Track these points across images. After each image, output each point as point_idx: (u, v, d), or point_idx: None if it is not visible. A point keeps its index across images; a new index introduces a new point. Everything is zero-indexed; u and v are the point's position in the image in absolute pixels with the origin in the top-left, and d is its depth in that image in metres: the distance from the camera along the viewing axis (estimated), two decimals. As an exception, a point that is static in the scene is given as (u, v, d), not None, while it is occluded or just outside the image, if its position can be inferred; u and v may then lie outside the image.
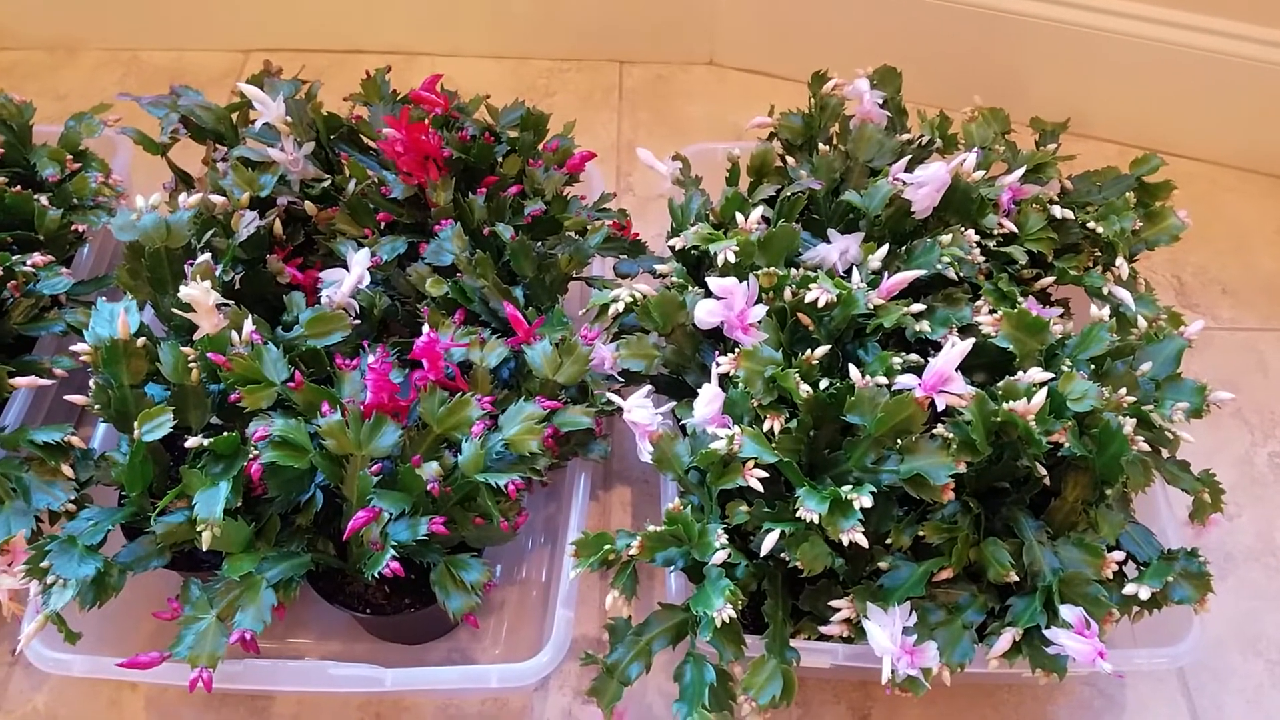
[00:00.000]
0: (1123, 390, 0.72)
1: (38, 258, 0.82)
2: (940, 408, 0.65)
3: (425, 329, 0.74)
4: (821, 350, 0.70)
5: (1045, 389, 0.65)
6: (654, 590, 0.86)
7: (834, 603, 0.68)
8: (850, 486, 0.63)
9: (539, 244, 0.85)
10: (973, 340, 0.66)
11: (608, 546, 0.68)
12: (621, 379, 0.79)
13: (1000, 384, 0.68)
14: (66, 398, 0.72)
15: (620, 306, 0.78)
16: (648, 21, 1.33)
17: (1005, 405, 0.65)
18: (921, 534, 0.68)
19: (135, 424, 0.66)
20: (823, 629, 0.69)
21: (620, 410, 0.78)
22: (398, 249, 0.82)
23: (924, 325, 0.74)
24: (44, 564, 0.63)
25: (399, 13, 1.33)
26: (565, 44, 1.36)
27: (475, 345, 0.76)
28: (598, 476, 0.94)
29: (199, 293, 0.68)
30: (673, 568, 0.69)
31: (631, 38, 1.34)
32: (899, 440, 0.66)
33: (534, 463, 0.72)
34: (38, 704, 0.79)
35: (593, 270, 0.93)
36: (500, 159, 0.89)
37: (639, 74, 1.35)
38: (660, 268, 0.84)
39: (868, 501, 0.61)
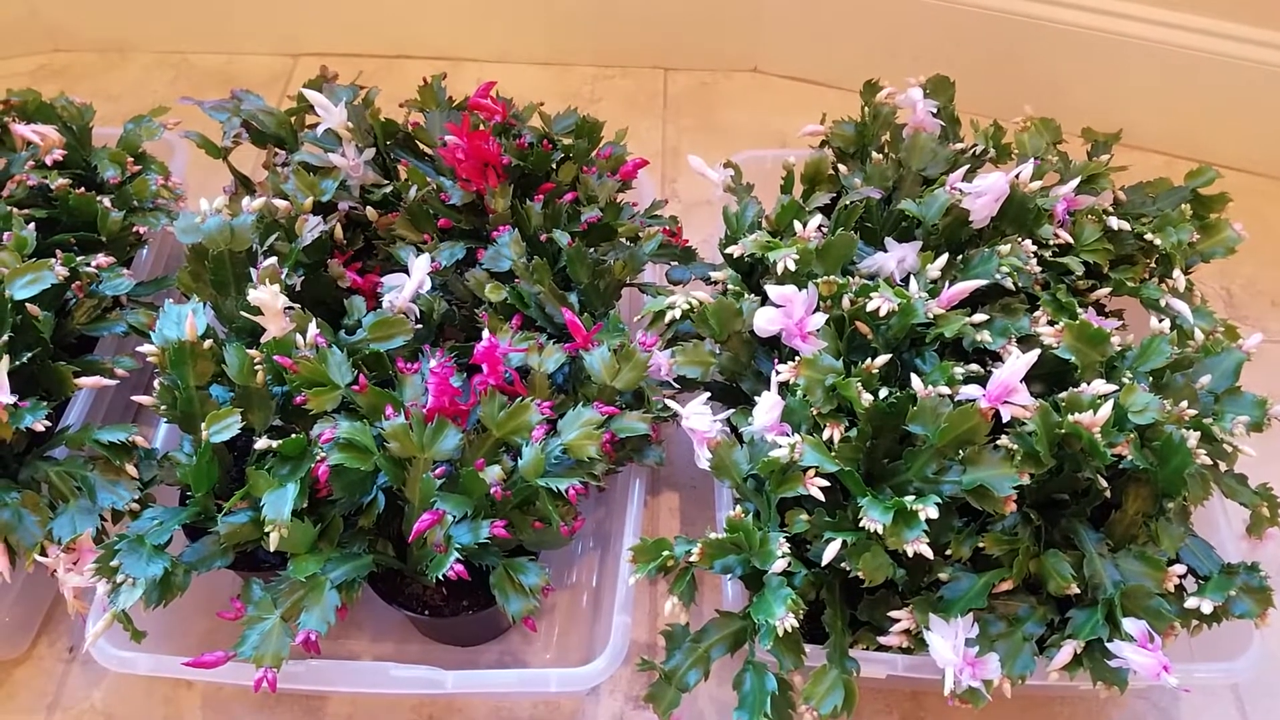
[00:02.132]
0: (1184, 403, 0.72)
1: (101, 259, 0.83)
2: (1005, 419, 0.65)
3: (485, 334, 0.75)
4: (882, 359, 0.70)
5: (1111, 401, 0.64)
6: (702, 596, 0.86)
7: (894, 613, 0.68)
8: (914, 497, 0.63)
9: (592, 250, 0.85)
10: (1038, 351, 0.66)
11: (666, 553, 0.68)
12: (677, 385, 0.79)
13: (1063, 395, 0.68)
14: (134, 398, 0.73)
15: (677, 313, 0.78)
16: (692, 29, 1.33)
17: (1070, 417, 0.65)
18: (981, 545, 0.68)
19: (203, 425, 0.67)
20: (881, 639, 0.68)
21: (675, 416, 0.78)
22: (456, 254, 0.83)
23: (984, 335, 0.74)
24: (114, 563, 0.64)
25: (445, 18, 1.34)
26: (610, 50, 1.36)
27: (534, 350, 0.76)
28: (645, 482, 0.95)
29: (268, 296, 0.69)
30: (730, 575, 0.69)
31: (676, 45, 1.35)
32: (961, 451, 0.66)
33: (592, 468, 0.72)
34: (95, 701, 0.80)
35: (644, 277, 0.93)
36: (555, 166, 0.90)
37: (683, 80, 1.35)
38: (715, 275, 0.84)
39: (934, 513, 0.61)
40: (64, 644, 0.83)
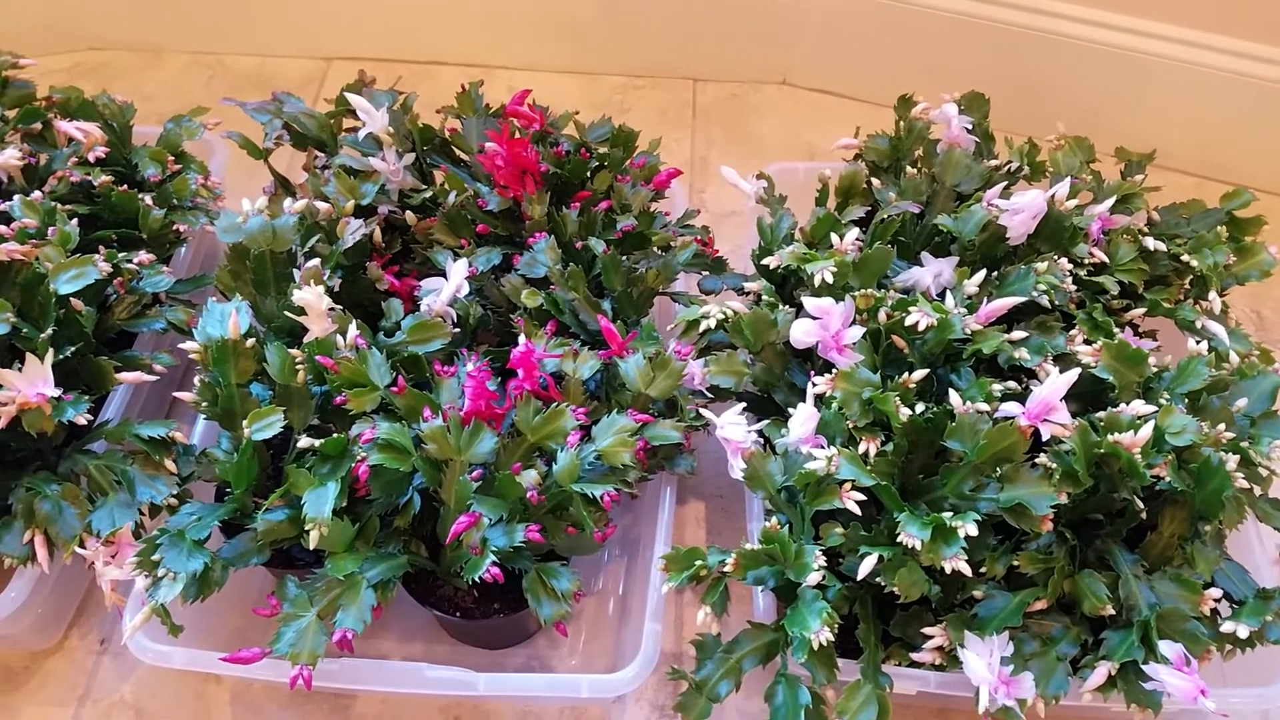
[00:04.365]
0: (1221, 426, 0.72)
1: (143, 256, 0.84)
2: (1045, 437, 0.65)
3: (521, 339, 0.75)
4: (920, 374, 0.70)
5: (1152, 422, 0.64)
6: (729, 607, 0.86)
7: (927, 630, 0.68)
8: (952, 514, 0.63)
9: (625, 258, 0.86)
10: (1078, 370, 0.66)
11: (699, 562, 0.69)
12: (710, 395, 0.80)
13: (1102, 415, 0.68)
14: (175, 395, 0.73)
15: (711, 323, 0.78)
16: (722, 40, 1.34)
17: (1109, 437, 0.65)
18: (1016, 564, 0.68)
19: (245, 423, 0.68)
20: (914, 655, 0.68)
21: (707, 425, 0.78)
22: (493, 260, 0.84)
23: (1022, 352, 0.74)
24: (155, 557, 0.64)
25: (477, 26, 1.35)
26: (639, 61, 1.37)
27: (569, 356, 0.76)
28: (674, 490, 0.95)
29: (313, 297, 0.69)
30: (763, 587, 0.69)
31: (705, 56, 1.36)
32: (999, 468, 0.66)
33: (625, 475, 0.72)
34: (125, 694, 0.80)
35: (676, 286, 0.94)
36: (590, 174, 0.90)
37: (712, 92, 1.36)
38: (749, 285, 0.85)
39: (973, 530, 0.61)
40: (95, 636, 0.83)
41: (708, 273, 0.92)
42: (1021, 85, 1.24)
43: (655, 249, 0.89)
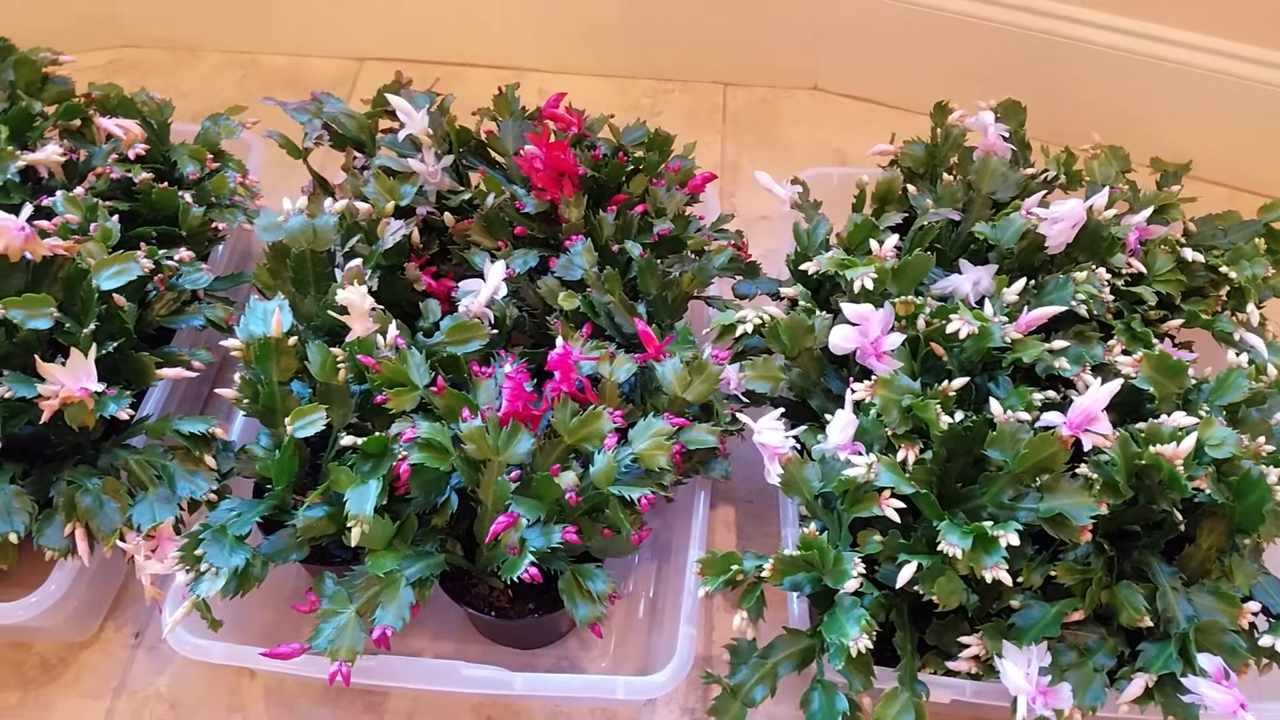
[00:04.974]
0: (1261, 439, 0.71)
1: (184, 253, 0.84)
2: (1087, 447, 0.65)
3: (559, 341, 0.75)
4: (960, 382, 0.70)
5: (1194, 434, 0.64)
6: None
7: (963, 639, 0.67)
8: (992, 523, 0.63)
9: (659, 262, 0.86)
10: (1121, 380, 0.66)
11: (736, 567, 0.69)
12: (746, 400, 0.80)
13: (1143, 426, 0.67)
14: (217, 391, 0.74)
15: (748, 328, 0.78)
16: (752, 45, 1.34)
17: (1151, 448, 0.65)
18: (1053, 573, 0.67)
19: (287, 420, 0.68)
20: (949, 664, 0.68)
21: (742, 430, 0.79)
22: (529, 262, 0.84)
23: (1062, 362, 0.73)
24: (198, 552, 0.65)
25: (508, 29, 1.36)
26: (670, 65, 1.38)
27: (605, 359, 0.77)
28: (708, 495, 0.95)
29: (356, 297, 0.70)
30: (798, 593, 0.69)
31: (736, 60, 1.36)
32: (1039, 478, 0.66)
33: (661, 478, 0.72)
34: (160, 687, 0.81)
35: (709, 290, 0.94)
36: (626, 178, 0.90)
37: (743, 96, 1.36)
38: (785, 290, 0.85)
39: (1015, 539, 0.61)
40: (130, 629, 0.84)
41: (742, 277, 0.92)
42: (1052, 93, 1.24)
43: (689, 253, 0.89)
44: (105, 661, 0.82)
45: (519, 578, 0.65)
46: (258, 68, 1.39)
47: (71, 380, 0.70)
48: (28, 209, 0.75)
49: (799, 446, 0.76)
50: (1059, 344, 0.74)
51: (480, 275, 0.82)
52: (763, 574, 0.67)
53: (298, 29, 1.38)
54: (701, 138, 1.29)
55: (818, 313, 0.79)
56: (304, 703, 0.80)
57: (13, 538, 0.70)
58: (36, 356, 0.71)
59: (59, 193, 0.83)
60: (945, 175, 0.91)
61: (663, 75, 1.38)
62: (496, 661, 0.72)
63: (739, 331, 0.79)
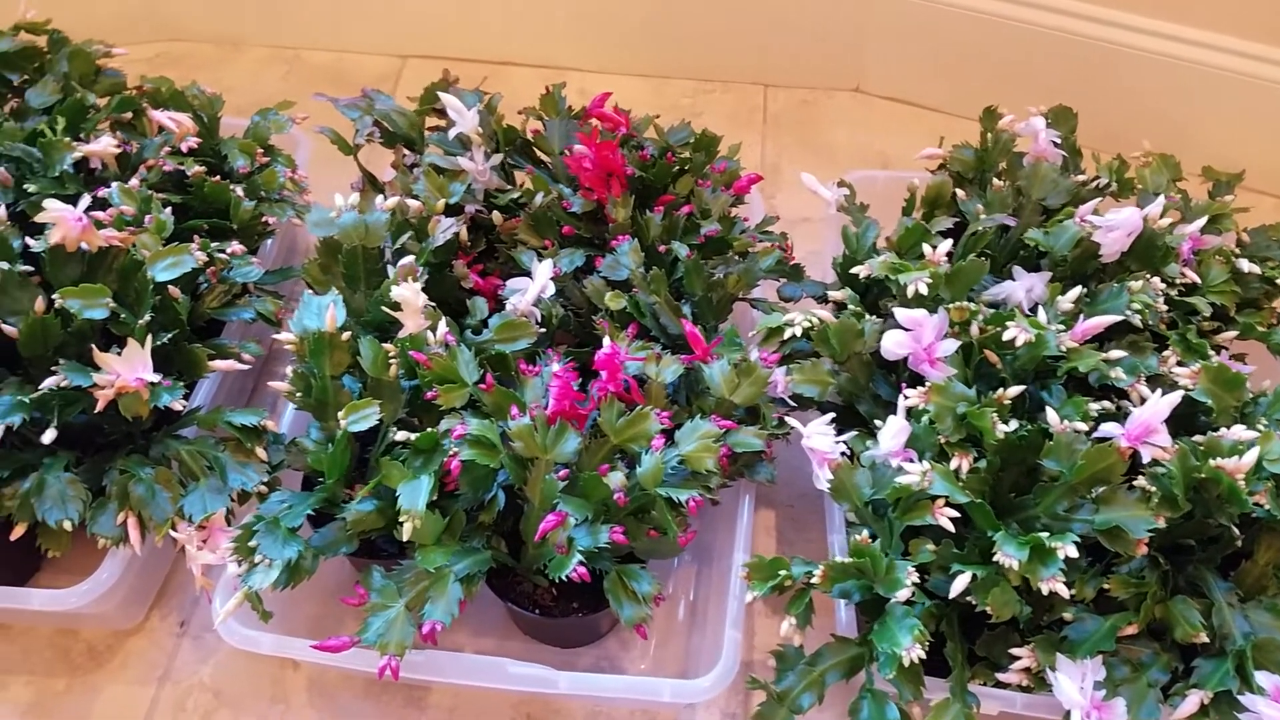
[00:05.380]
0: (1320, 454, 0.70)
1: (235, 246, 0.85)
2: (1146, 459, 0.64)
3: (606, 341, 0.75)
4: (1015, 390, 0.69)
5: (1256, 448, 0.63)
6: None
7: (1015, 650, 0.67)
8: (1049, 534, 0.62)
9: (704, 263, 0.86)
10: (1181, 393, 0.65)
11: (784, 572, 0.68)
12: (793, 403, 0.79)
13: (1201, 439, 0.66)
14: (270, 384, 0.75)
15: (797, 331, 0.78)
16: (793, 46, 1.33)
17: (1211, 462, 0.64)
18: (1106, 587, 0.67)
19: (340, 414, 0.69)
20: (999, 675, 0.68)
21: (789, 434, 0.78)
22: (576, 261, 0.84)
23: (1118, 372, 0.72)
24: (252, 543, 0.65)
25: (549, 28, 1.36)
26: (710, 65, 1.37)
27: (651, 360, 0.77)
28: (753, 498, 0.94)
29: (410, 294, 0.70)
30: (847, 600, 0.69)
31: (776, 61, 1.35)
32: (1095, 490, 0.65)
33: (708, 480, 0.72)
34: (204, 676, 0.82)
35: (754, 292, 0.93)
36: (673, 179, 0.90)
37: (784, 98, 1.35)
38: (833, 294, 0.84)
39: (1073, 551, 0.60)
40: (175, 618, 0.85)
41: (786, 279, 0.91)
42: (1097, 99, 1.22)
43: (734, 254, 0.89)
44: (151, 650, 0.83)
45: (565, 577, 0.65)
46: (301, 63, 1.40)
47: (128, 370, 0.71)
48: (85, 200, 0.76)
49: (847, 452, 0.75)
50: (1115, 354, 0.73)
51: (527, 274, 0.82)
52: (813, 580, 0.67)
53: (341, 25, 1.39)
54: (742, 139, 1.28)
55: (868, 317, 0.78)
56: (346, 696, 0.80)
57: (67, 525, 0.71)
58: (93, 346, 0.72)
59: (114, 184, 0.83)
60: (995, 180, 0.90)
61: (703, 75, 1.38)
62: (536, 659, 0.72)
63: (787, 334, 0.79)
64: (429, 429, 0.70)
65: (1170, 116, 1.21)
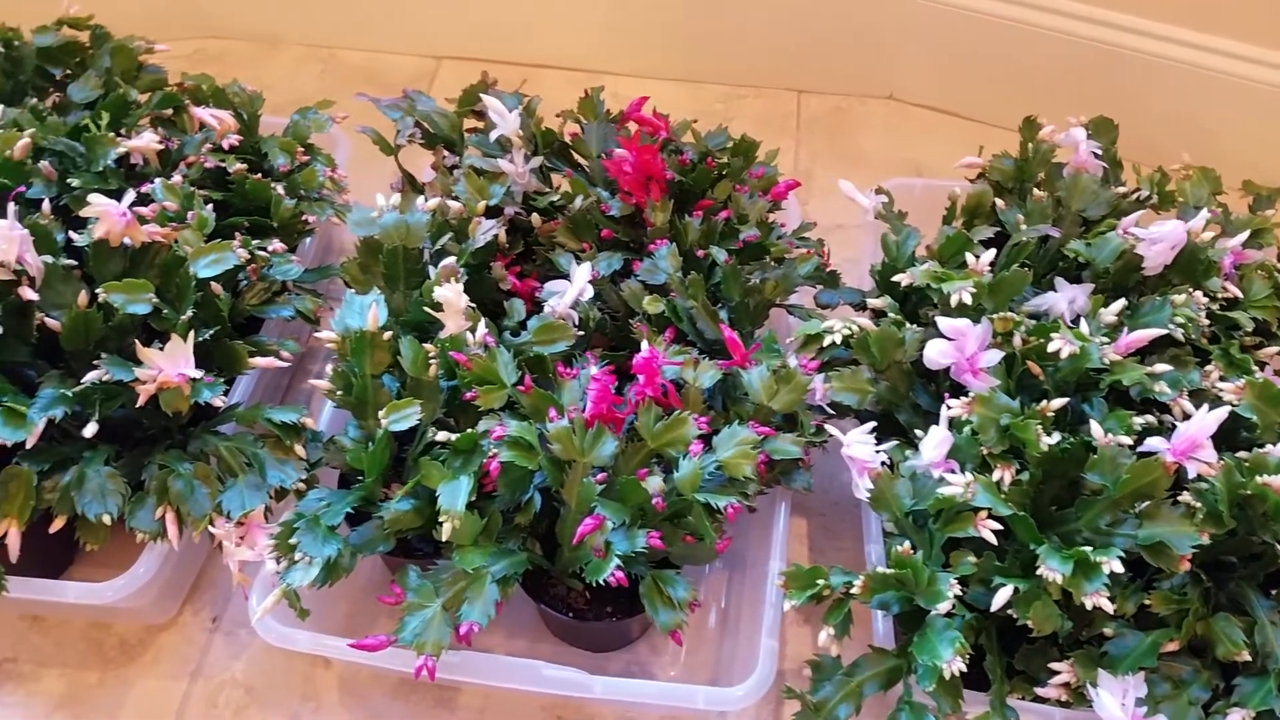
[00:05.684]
0: (1367, 474, 0.69)
1: (276, 244, 0.85)
2: (1191, 474, 0.63)
3: (644, 345, 0.75)
4: (1059, 402, 0.69)
5: (1306, 465, 0.62)
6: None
7: (1054, 665, 0.66)
8: (1093, 548, 0.62)
9: (742, 268, 0.85)
10: (1228, 408, 0.64)
11: (822, 582, 0.68)
12: (831, 411, 0.79)
13: (1246, 455, 0.66)
14: (311, 382, 0.75)
15: (837, 338, 0.78)
16: (826, 52, 1.33)
17: (1257, 479, 0.63)
18: (1147, 602, 0.66)
19: (381, 413, 0.69)
20: (1038, 690, 0.67)
21: (826, 442, 0.78)
22: (613, 265, 0.84)
23: (1161, 386, 0.72)
24: (292, 540, 0.66)
25: (584, 31, 1.37)
26: (743, 70, 1.37)
27: (689, 365, 0.76)
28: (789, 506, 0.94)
29: (453, 294, 0.70)
30: (885, 611, 0.68)
31: (809, 67, 1.35)
32: (1138, 504, 0.64)
33: (745, 487, 0.72)
34: (236, 672, 0.82)
35: (791, 299, 0.93)
36: (711, 183, 0.90)
37: (816, 104, 1.35)
38: (873, 302, 0.84)
39: (1118, 566, 0.60)
40: (208, 614, 0.85)
41: (823, 286, 0.91)
42: (1131, 110, 1.21)
43: (770, 260, 0.89)
44: (183, 645, 0.83)
45: (602, 581, 0.65)
46: (337, 62, 1.40)
47: (170, 365, 0.71)
48: (130, 195, 0.77)
49: (886, 461, 0.75)
50: (1160, 368, 0.72)
51: (564, 276, 0.82)
52: (852, 590, 0.66)
53: (377, 25, 1.40)
54: (775, 144, 1.28)
55: (908, 326, 0.78)
56: (377, 694, 0.80)
57: (106, 519, 0.72)
58: (135, 341, 0.72)
59: (158, 180, 0.84)
60: (1035, 191, 0.90)
61: (736, 81, 1.38)
62: (567, 662, 0.72)
63: (826, 342, 0.78)
64: (467, 429, 0.70)
65: (1205, 128, 1.20)
